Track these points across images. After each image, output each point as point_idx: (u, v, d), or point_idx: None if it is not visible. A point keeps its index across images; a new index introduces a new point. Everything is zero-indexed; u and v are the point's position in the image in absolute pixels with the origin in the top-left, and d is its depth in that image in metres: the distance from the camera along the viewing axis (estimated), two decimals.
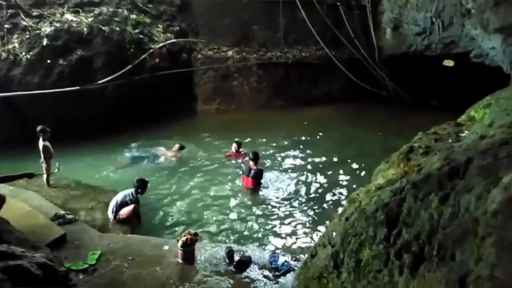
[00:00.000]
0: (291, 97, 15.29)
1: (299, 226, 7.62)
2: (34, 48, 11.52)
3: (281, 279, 5.43)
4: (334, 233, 4.51)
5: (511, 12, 8.26)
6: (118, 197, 7.45)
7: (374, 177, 6.07)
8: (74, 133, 10.48)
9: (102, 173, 9.87)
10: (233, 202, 8.54)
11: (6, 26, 11.63)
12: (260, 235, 7.35)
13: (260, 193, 8.93)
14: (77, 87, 11.37)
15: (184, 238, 5.74)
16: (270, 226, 7.62)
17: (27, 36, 11.64)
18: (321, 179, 9.58)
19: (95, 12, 12.83)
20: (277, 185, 9.29)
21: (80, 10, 12.75)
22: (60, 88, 11.19)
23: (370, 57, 15.18)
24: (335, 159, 10.70)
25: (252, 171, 8.91)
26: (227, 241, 7.07)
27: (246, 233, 7.42)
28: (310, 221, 7.80)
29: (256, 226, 7.63)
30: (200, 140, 11.81)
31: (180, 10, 14.97)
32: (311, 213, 8.09)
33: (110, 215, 7.37)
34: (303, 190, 9.05)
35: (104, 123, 11.58)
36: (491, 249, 2.76)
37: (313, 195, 8.85)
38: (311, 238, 7.20)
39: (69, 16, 12.46)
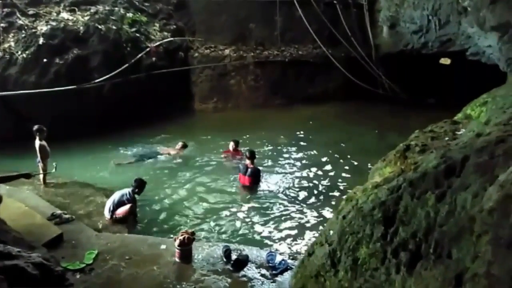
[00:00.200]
0: (288, 96, 15.28)
1: (296, 225, 7.62)
2: (30, 47, 11.47)
3: (279, 278, 5.43)
4: (331, 232, 4.51)
5: (507, 10, 8.28)
6: (115, 197, 7.44)
7: (371, 175, 6.08)
8: (71, 132, 10.45)
9: (99, 173, 9.84)
10: (230, 200, 8.53)
11: (2, 25, 11.56)
12: (257, 234, 7.35)
13: (257, 191, 8.93)
14: (74, 86, 11.34)
15: (181, 237, 5.73)
16: (267, 225, 7.62)
17: (23, 35, 11.58)
18: (318, 177, 9.59)
19: (91, 10, 12.77)
20: (274, 184, 9.28)
21: (76, 9, 12.69)
22: (57, 87, 11.15)
23: (367, 55, 15.19)
24: (332, 157, 10.70)
25: (249, 170, 8.91)
26: (224, 240, 7.06)
27: (243, 231, 7.42)
28: (307, 219, 7.80)
29: (253, 225, 7.62)
30: (197, 139, 11.79)
31: (177, 9, 14.92)
32: (308, 211, 8.09)
33: (107, 214, 7.36)
34: (299, 188, 9.05)
35: (101, 122, 11.54)
36: (487, 247, 2.77)
37: (310, 193, 8.84)
38: (309, 236, 7.19)
39: (65, 15, 12.41)
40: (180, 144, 11.08)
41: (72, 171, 9.39)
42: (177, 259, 5.71)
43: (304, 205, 8.33)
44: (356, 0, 15.17)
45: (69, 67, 11.71)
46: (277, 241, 7.11)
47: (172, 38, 14.09)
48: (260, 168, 9.40)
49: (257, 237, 7.26)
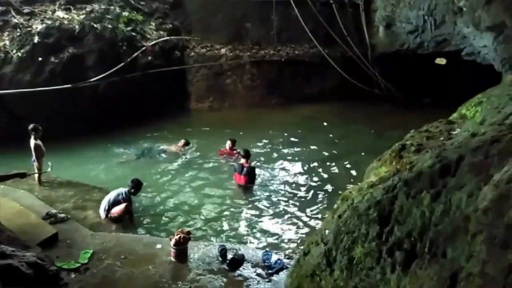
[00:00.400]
0: (285, 95, 15.27)
1: (292, 224, 7.63)
2: (25, 45, 11.40)
3: (274, 277, 5.44)
4: (326, 231, 4.52)
5: (502, 11, 8.31)
6: (111, 196, 7.42)
7: (366, 174, 6.11)
8: (66, 132, 10.42)
9: (94, 172, 9.81)
10: (226, 200, 8.52)
11: None
12: (253, 233, 7.35)
13: (253, 191, 8.93)
14: (69, 85, 11.29)
15: (177, 237, 5.73)
16: (263, 224, 7.62)
17: (18, 34, 11.51)
18: (314, 176, 9.59)
19: (87, 9, 12.71)
20: (270, 183, 9.29)
21: (72, 8, 12.62)
22: (52, 86, 11.10)
23: (363, 55, 15.19)
24: (328, 157, 10.71)
25: (244, 169, 8.91)
26: (220, 239, 7.05)
27: (239, 231, 7.42)
28: (303, 219, 7.81)
29: (249, 224, 7.63)
30: (193, 138, 11.76)
31: (173, 8, 14.88)
32: (304, 210, 8.10)
33: (102, 213, 7.34)
34: (296, 188, 9.05)
35: (96, 121, 11.51)
36: (482, 246, 2.78)
37: (306, 192, 8.85)
38: (304, 236, 7.20)
39: (60, 14, 12.34)
40: (182, 141, 11.14)
41: (67, 170, 9.34)
42: (172, 259, 5.70)
43: (300, 205, 8.33)
44: (352, 0, 15.19)
45: (64, 66, 11.65)
46: (272, 240, 7.12)
47: (168, 37, 14.05)
48: (256, 167, 9.39)
49: (253, 236, 7.27)
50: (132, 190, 7.65)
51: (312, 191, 8.91)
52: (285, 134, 12.38)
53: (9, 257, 3.89)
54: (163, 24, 14.42)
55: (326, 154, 10.93)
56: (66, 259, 5.59)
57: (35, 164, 8.23)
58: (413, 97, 14.71)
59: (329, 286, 4.12)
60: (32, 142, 8.13)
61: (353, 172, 9.66)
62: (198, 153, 10.88)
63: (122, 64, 12.30)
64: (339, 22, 15.01)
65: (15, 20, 11.72)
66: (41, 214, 6.64)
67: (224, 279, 5.36)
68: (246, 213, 8.01)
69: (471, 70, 12.50)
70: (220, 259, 5.75)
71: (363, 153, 10.40)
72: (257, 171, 9.32)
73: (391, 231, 3.67)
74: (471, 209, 3.02)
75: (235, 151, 10.45)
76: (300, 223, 7.67)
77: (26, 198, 7.37)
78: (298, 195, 8.74)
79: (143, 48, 13.17)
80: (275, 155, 10.98)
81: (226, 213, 8.00)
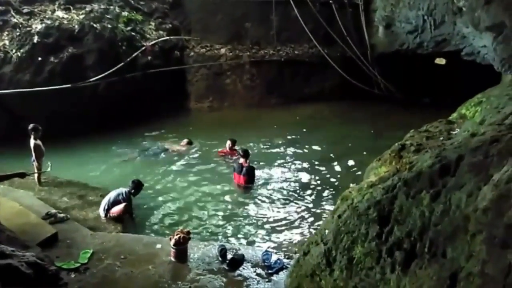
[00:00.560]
0: (284, 95, 15.26)
1: (291, 224, 7.63)
2: (24, 45, 11.39)
3: (274, 277, 5.44)
4: (326, 231, 4.52)
5: (502, 11, 8.31)
6: (111, 195, 7.43)
7: (366, 174, 6.11)
8: (66, 132, 10.41)
9: (94, 172, 9.80)
10: (225, 200, 8.53)
11: None
12: (252, 233, 7.35)
13: (252, 190, 8.93)
14: (69, 85, 11.28)
15: (176, 237, 5.72)
16: (262, 224, 7.62)
17: (18, 33, 11.50)
18: (313, 176, 9.59)
19: (87, 9, 12.70)
20: (269, 183, 9.29)
21: (71, 7, 12.61)
22: (51, 86, 11.09)
23: (362, 55, 15.18)
24: (327, 157, 10.70)
25: (244, 169, 8.91)
26: (220, 239, 7.05)
27: (238, 231, 7.42)
28: (303, 219, 7.81)
29: (248, 224, 7.62)
30: (192, 138, 11.74)
31: (172, 7, 14.87)
32: (303, 210, 8.10)
33: (102, 212, 7.34)
34: (295, 188, 9.05)
35: (96, 121, 11.50)
36: (481, 246, 2.78)
37: (305, 192, 8.85)
38: (304, 235, 7.20)
39: (60, 13, 12.33)
40: (185, 141, 11.19)
41: (67, 170, 9.34)
42: (172, 259, 5.70)
43: (299, 204, 8.33)
44: (352, 0, 15.19)
45: (64, 66, 11.65)
46: (272, 240, 7.12)
47: (167, 37, 14.04)
48: (256, 167, 9.39)
49: (253, 236, 7.27)
50: (133, 191, 7.65)
51: (311, 191, 8.90)
52: (285, 134, 12.37)
53: (9, 257, 3.89)
54: (163, 24, 14.41)
55: (326, 154, 10.92)
56: (66, 259, 5.59)
57: (35, 164, 8.22)
58: (413, 97, 14.70)
59: (329, 286, 4.13)
60: (32, 142, 8.12)
61: (353, 172, 9.66)
62: (197, 153, 10.89)
63: (122, 64, 12.29)
64: (338, 22, 15.00)
65: (15, 20, 11.71)
66: (41, 214, 6.64)
67: (224, 279, 5.36)
68: (246, 213, 8.01)
69: (471, 70, 12.50)
70: (220, 259, 5.75)
71: (362, 153, 10.39)
72: (257, 170, 9.31)
73: (390, 231, 3.67)
74: (471, 209, 3.03)
75: (235, 151, 10.45)
76: (300, 223, 7.66)
77: (25, 198, 7.37)
78: (297, 195, 8.74)
79: (143, 48, 13.16)
80: (274, 155, 10.98)
81: (226, 213, 8.00)
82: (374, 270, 3.65)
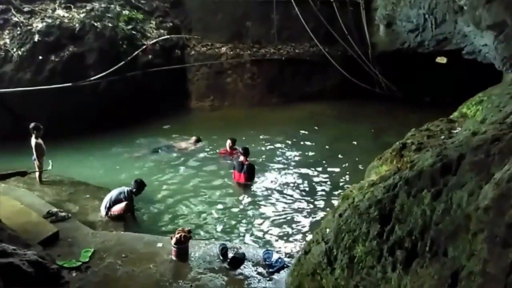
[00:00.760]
0: (285, 94, 15.25)
1: (292, 223, 7.63)
2: (25, 44, 11.38)
3: (275, 276, 5.44)
4: (327, 230, 4.52)
5: (503, 9, 8.29)
6: (113, 194, 7.43)
7: (367, 173, 6.11)
8: (67, 130, 10.41)
9: (95, 170, 9.81)
10: (226, 199, 8.53)
11: None
12: (253, 232, 7.36)
13: (253, 189, 8.94)
14: (70, 84, 11.29)
15: (177, 235, 5.73)
16: (263, 223, 7.63)
17: (18, 32, 11.49)
18: (314, 175, 9.59)
19: (87, 8, 12.67)
20: (270, 182, 9.29)
21: (72, 6, 12.58)
22: (52, 84, 11.09)
23: (363, 53, 15.17)
24: (328, 156, 10.70)
25: (244, 166, 8.92)
26: (221, 238, 7.05)
27: (239, 230, 7.42)
28: (304, 217, 7.82)
29: (249, 223, 7.63)
30: (193, 137, 11.74)
31: (173, 6, 14.85)
32: (305, 209, 8.11)
33: (103, 211, 7.35)
34: (296, 187, 9.05)
35: (97, 120, 11.50)
36: (483, 245, 2.78)
37: (306, 191, 8.85)
38: (305, 234, 7.20)
39: (60, 12, 12.32)
40: (193, 138, 11.23)
41: (68, 168, 9.35)
42: (173, 257, 5.71)
43: (300, 203, 8.34)
44: None
45: (64, 65, 11.63)
46: (273, 239, 7.12)
47: (168, 36, 14.03)
48: (256, 166, 9.40)
49: (254, 235, 7.28)
50: (135, 190, 7.66)
51: (312, 190, 8.91)
52: (286, 133, 12.36)
53: (10, 256, 3.89)
54: (163, 23, 14.39)
55: (327, 152, 10.92)
56: (67, 257, 5.60)
57: (36, 162, 8.24)
58: (414, 96, 14.70)
59: (330, 285, 4.13)
60: (33, 140, 8.13)
61: (354, 171, 9.64)
62: (198, 152, 10.88)
63: (123, 62, 12.28)
64: (339, 21, 14.98)
65: (15, 19, 11.70)
66: (42, 212, 6.65)
67: (225, 278, 5.37)
68: (247, 212, 8.01)
69: (472, 69, 12.49)
70: (221, 257, 5.76)
71: (363, 152, 10.38)
72: (257, 169, 9.31)
73: (392, 230, 3.67)
74: (472, 208, 3.03)
75: (235, 150, 10.45)
76: (301, 222, 7.67)
77: (27, 196, 7.38)
78: (298, 194, 8.74)
79: (144, 47, 13.15)
80: (275, 153, 10.98)
81: (226, 212, 8.01)
82: (375, 269, 3.65)
